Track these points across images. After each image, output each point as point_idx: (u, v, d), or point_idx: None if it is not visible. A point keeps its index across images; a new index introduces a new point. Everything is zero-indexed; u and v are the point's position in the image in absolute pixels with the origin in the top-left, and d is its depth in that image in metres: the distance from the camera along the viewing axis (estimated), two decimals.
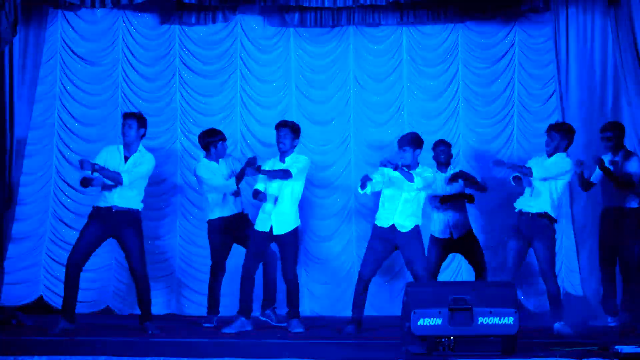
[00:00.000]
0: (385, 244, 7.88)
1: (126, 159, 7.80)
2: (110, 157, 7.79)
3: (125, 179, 7.69)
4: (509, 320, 6.33)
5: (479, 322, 6.32)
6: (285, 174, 7.87)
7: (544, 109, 9.54)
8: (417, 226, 7.86)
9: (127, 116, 7.90)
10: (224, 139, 8.58)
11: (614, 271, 8.46)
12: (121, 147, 7.86)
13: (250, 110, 9.74)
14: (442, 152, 8.69)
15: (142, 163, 7.82)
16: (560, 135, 7.80)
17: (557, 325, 7.71)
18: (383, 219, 7.88)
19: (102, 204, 7.75)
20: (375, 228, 7.94)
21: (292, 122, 8.16)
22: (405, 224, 7.82)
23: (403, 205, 7.81)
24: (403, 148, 7.86)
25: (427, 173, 7.82)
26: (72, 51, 9.56)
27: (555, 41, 8.90)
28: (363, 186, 7.78)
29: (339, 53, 9.81)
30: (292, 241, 8.01)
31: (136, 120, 7.84)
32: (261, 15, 9.77)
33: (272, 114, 9.57)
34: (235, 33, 9.75)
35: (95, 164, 7.63)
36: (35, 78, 8.76)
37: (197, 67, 9.74)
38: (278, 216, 7.93)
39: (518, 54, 9.68)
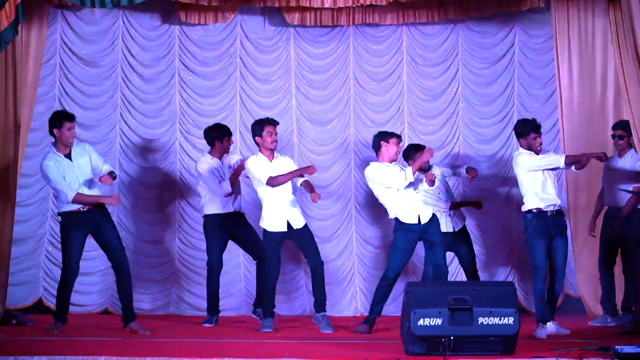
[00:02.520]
0: (414, 238, 7.96)
1: (68, 157, 7.79)
2: (57, 163, 7.73)
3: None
4: (509, 320, 6.33)
5: (479, 322, 6.32)
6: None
7: (544, 109, 9.55)
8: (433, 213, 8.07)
9: (72, 118, 7.89)
10: (229, 134, 8.64)
11: (613, 271, 8.48)
12: (55, 153, 7.80)
13: (250, 111, 9.73)
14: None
15: (92, 155, 7.88)
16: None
17: (549, 324, 7.73)
18: (409, 216, 7.92)
19: (68, 209, 7.72)
20: (402, 225, 7.94)
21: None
22: (427, 213, 7.95)
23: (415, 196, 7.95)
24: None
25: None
26: (72, 52, 9.55)
27: (555, 41, 8.88)
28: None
29: (339, 53, 9.81)
30: (309, 231, 8.09)
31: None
32: (261, 16, 9.76)
33: (272, 115, 9.52)
34: (235, 33, 9.74)
35: (112, 171, 7.81)
36: (36, 79, 8.76)
37: (196, 68, 9.74)
38: (293, 213, 7.98)
39: (518, 54, 9.69)
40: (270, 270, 7.98)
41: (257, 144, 8.06)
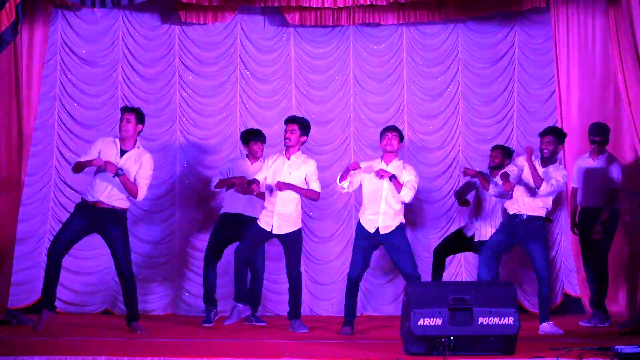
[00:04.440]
0: (370, 242, 7.88)
1: (122, 153, 7.74)
2: (106, 149, 7.71)
3: (140, 194, 7.68)
4: (509, 320, 6.33)
5: (479, 322, 6.32)
6: (313, 194, 7.95)
7: (543, 109, 9.56)
8: (402, 223, 7.88)
9: (125, 110, 7.81)
10: (254, 140, 8.64)
11: (596, 271, 8.49)
12: (117, 140, 7.79)
13: (250, 111, 9.74)
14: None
15: (142, 166, 7.71)
16: (558, 140, 7.90)
17: (544, 325, 7.75)
18: (368, 222, 7.85)
19: (90, 199, 7.71)
20: (360, 229, 7.90)
21: (302, 118, 8.13)
22: (390, 225, 7.83)
23: (385, 205, 7.82)
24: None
25: (411, 176, 7.83)
26: (72, 52, 9.56)
27: (555, 41, 8.89)
28: (342, 178, 7.81)
29: (339, 53, 9.81)
30: (296, 239, 8.01)
31: (135, 115, 7.74)
32: (261, 16, 9.77)
33: (272, 115, 9.58)
34: (235, 33, 9.75)
35: (120, 168, 7.56)
36: (40, 78, 8.80)
37: (196, 67, 9.74)
38: (281, 217, 7.92)
39: (518, 54, 9.69)
40: (241, 252, 7.95)
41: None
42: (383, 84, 9.82)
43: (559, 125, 8.88)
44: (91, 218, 7.70)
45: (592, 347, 6.50)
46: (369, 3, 8.81)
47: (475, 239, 8.65)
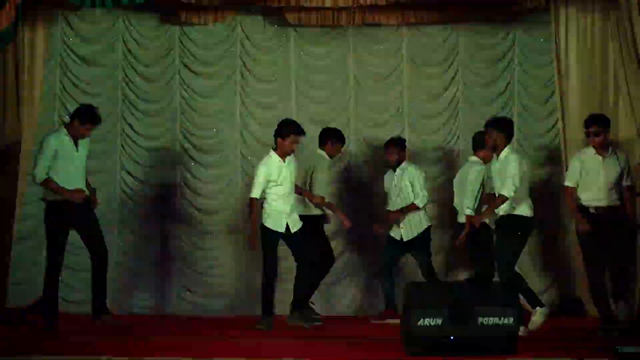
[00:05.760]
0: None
1: (75, 144, 7.83)
2: (62, 144, 7.74)
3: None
4: (509, 320, 6.34)
5: (479, 322, 6.33)
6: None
7: (543, 109, 9.55)
8: None
9: (99, 122, 7.92)
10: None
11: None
12: (66, 135, 7.80)
13: (250, 111, 9.74)
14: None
15: (87, 151, 7.95)
16: (498, 130, 7.80)
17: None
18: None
19: (53, 197, 7.72)
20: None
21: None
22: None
23: None
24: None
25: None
26: (73, 52, 9.56)
27: (555, 41, 8.90)
28: None
29: (339, 53, 9.81)
30: (303, 235, 8.22)
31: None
32: (261, 16, 9.77)
33: (272, 115, 9.57)
34: (235, 34, 9.75)
35: (91, 189, 7.92)
36: (42, 78, 8.81)
37: (197, 67, 9.75)
38: (293, 215, 8.17)
39: (518, 54, 9.68)
40: (267, 269, 8.09)
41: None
42: (383, 84, 9.82)
43: (559, 125, 8.91)
44: (69, 214, 7.73)
45: (592, 347, 6.51)
46: (369, 3, 8.81)
47: (405, 239, 8.86)
